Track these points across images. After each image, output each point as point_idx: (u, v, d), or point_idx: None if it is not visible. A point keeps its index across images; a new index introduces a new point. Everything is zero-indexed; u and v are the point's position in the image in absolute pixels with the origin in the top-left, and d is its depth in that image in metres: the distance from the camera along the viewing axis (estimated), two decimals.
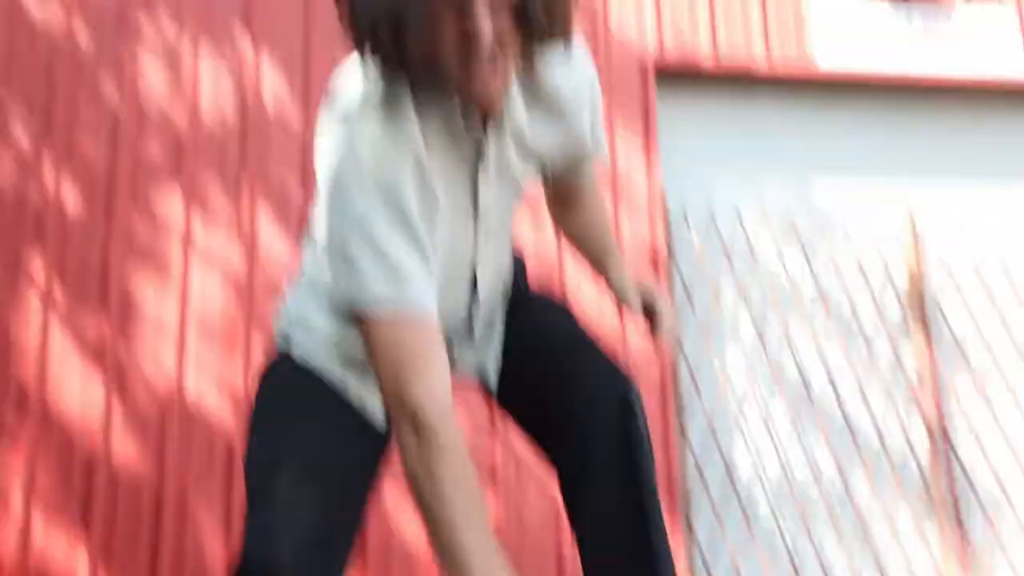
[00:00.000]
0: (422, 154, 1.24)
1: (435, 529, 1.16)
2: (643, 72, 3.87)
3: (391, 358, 1.18)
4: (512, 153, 1.36)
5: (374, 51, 1.16)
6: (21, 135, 3.35)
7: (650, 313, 1.69)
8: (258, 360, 3.34)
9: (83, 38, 3.48)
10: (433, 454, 1.16)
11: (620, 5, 3.94)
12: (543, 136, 1.38)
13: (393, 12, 1.11)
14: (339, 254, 1.20)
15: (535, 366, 1.47)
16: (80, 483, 3.15)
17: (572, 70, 1.36)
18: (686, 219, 3.96)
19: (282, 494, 1.27)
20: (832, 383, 3.89)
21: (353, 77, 1.26)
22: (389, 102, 1.23)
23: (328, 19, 3.59)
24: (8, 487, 3.12)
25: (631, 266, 3.58)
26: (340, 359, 1.41)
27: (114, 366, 3.25)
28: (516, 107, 1.31)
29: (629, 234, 3.73)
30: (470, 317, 1.48)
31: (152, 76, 3.49)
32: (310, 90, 3.57)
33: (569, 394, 1.40)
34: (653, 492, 1.41)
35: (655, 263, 3.75)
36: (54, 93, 3.40)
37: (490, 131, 1.30)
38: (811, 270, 4.03)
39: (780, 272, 4.01)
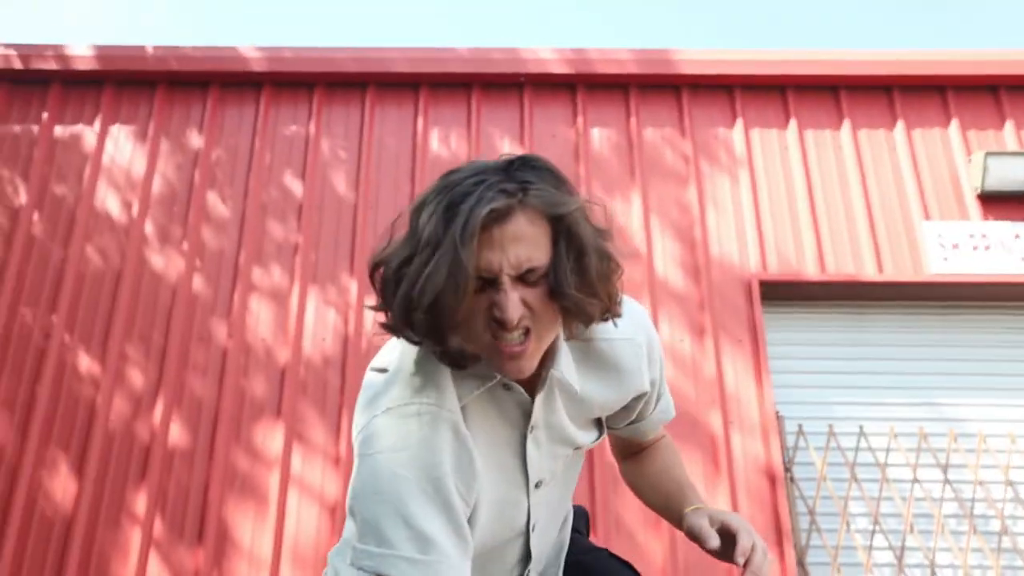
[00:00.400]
0: (461, 428, 1.21)
1: None
2: (747, 289, 3.90)
3: None
4: (564, 415, 1.33)
5: (409, 328, 1.14)
6: (136, 378, 3.60)
7: (731, 548, 1.40)
8: None
9: (199, 284, 3.80)
10: None
11: (723, 229, 4.04)
12: (599, 396, 1.34)
13: (424, 289, 1.09)
14: (367, 521, 1.14)
15: None
16: None
17: (626, 331, 1.33)
18: (803, 432, 3.80)
19: None
20: None
21: (390, 356, 1.26)
22: (426, 378, 1.21)
23: None
24: None
25: (747, 483, 3.42)
26: None
27: None
28: (566, 370, 1.28)
29: (741, 453, 3.59)
30: None
31: (260, 316, 3.74)
32: None
33: None
34: None
35: (772, 481, 3.57)
36: (168, 336, 3.68)
37: (538, 396, 1.28)
38: (951, 487, 3.73)
39: (915, 488, 3.74)
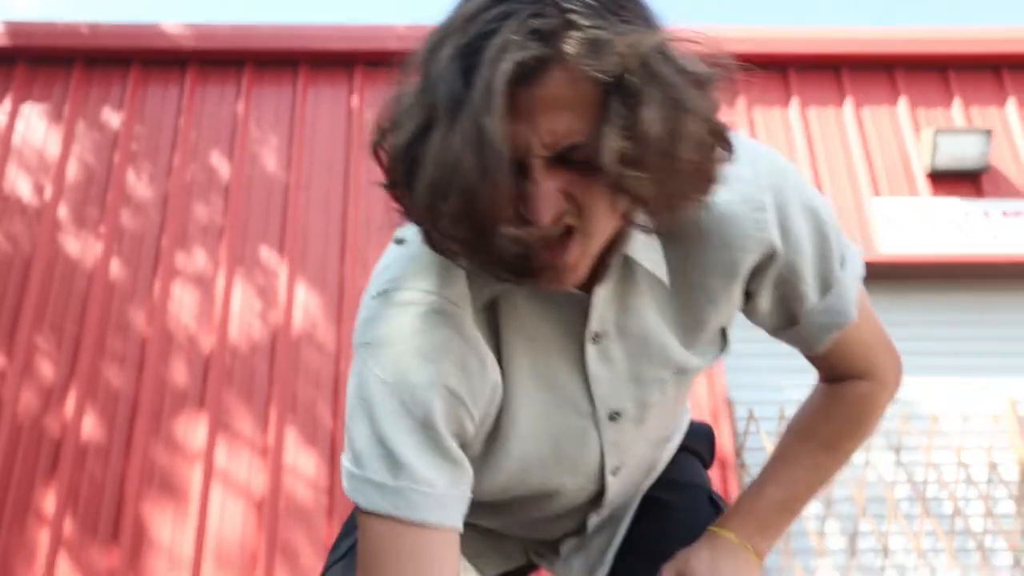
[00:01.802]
0: (467, 326, 0.95)
1: None
2: None
3: (369, 565, 0.93)
4: (654, 319, 1.01)
5: (422, 221, 0.86)
6: (47, 369, 3.46)
7: None
8: None
9: (117, 270, 3.67)
10: None
11: None
12: (703, 288, 0.99)
13: (442, 171, 0.78)
14: (349, 429, 0.95)
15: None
16: None
17: (740, 190, 0.94)
18: (754, 419, 3.76)
19: None
20: None
21: (401, 248, 0.98)
22: (435, 259, 0.95)
23: (361, 242, 3.73)
24: None
25: None
26: None
27: None
28: (644, 251, 0.95)
29: None
30: (581, 525, 1.20)
31: (183, 302, 3.62)
32: (343, 310, 3.64)
33: None
34: None
35: (723, 466, 3.53)
36: (83, 325, 3.54)
37: (598, 290, 0.96)
38: (904, 470, 3.73)
39: (867, 471, 3.72)
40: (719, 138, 0.83)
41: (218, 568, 3.19)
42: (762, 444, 3.73)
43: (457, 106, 0.78)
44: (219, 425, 3.41)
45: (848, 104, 4.29)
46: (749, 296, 1.02)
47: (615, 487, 1.13)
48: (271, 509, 3.26)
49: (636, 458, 1.12)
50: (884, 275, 4.07)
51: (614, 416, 1.04)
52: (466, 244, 0.83)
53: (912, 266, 4.02)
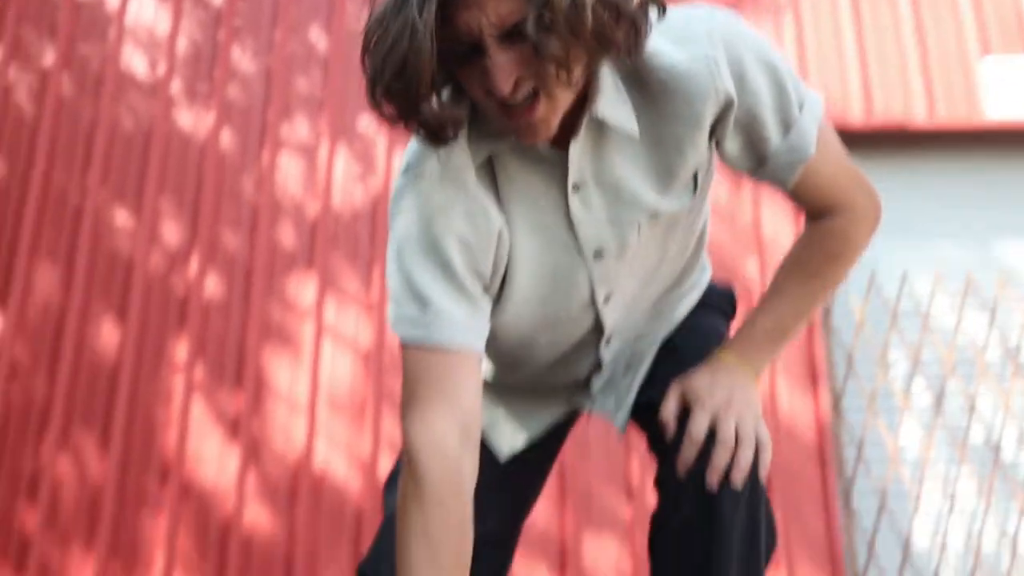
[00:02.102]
0: (469, 184, 1.21)
1: (397, 573, 1.15)
2: None
3: (407, 385, 1.20)
4: (626, 169, 1.22)
5: (372, 87, 1.10)
6: (171, 233, 3.89)
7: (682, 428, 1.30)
8: (386, 432, 3.58)
9: (227, 141, 4.04)
10: (410, 491, 1.15)
11: None
12: (670, 137, 1.20)
13: (385, 63, 1.05)
14: (388, 280, 1.24)
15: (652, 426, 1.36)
16: (216, 548, 3.42)
17: (689, 50, 1.15)
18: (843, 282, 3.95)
19: None
20: None
21: (416, 137, 1.22)
22: (446, 155, 1.20)
23: None
24: (152, 550, 3.42)
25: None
26: None
27: (248, 439, 3.57)
28: (612, 108, 1.16)
29: None
30: (596, 360, 1.43)
31: (289, 171, 3.98)
32: None
33: (668, 466, 1.29)
34: None
35: (808, 330, 3.75)
36: (200, 192, 3.94)
37: (573, 145, 1.19)
38: (997, 329, 3.88)
39: (958, 334, 3.89)
40: (644, 3, 1.06)
41: (331, 413, 3.62)
42: (850, 308, 3.94)
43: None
44: (327, 284, 3.79)
45: None
46: (719, 144, 1.24)
47: (610, 316, 1.36)
48: (376, 361, 3.66)
49: (627, 292, 1.35)
50: (993, 142, 4.13)
51: (598, 253, 1.27)
52: (399, 108, 1.09)
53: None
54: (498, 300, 1.29)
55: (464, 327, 1.20)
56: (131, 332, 3.68)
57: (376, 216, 3.85)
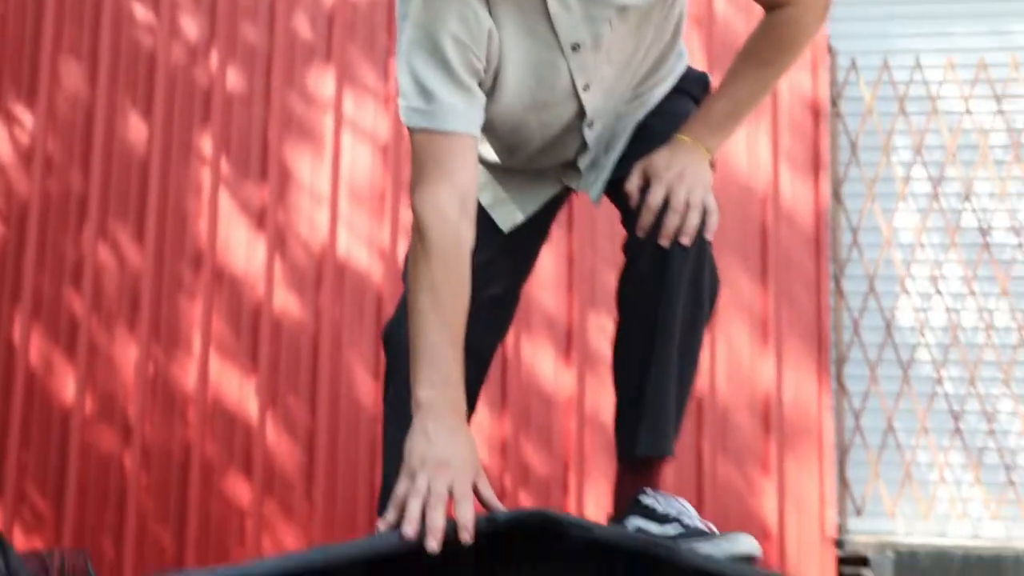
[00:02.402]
0: (470, 3, 1.42)
1: (409, 320, 1.40)
2: None
3: (415, 166, 1.45)
4: None
5: None
6: (190, 26, 3.94)
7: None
8: (404, 221, 3.76)
9: None
10: (419, 254, 1.40)
11: None
12: None
13: None
14: (399, 78, 1.48)
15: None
16: (248, 330, 3.71)
17: None
18: (855, 67, 3.95)
19: None
20: (1017, 231, 3.80)
21: None
22: None
23: None
24: (189, 333, 3.74)
25: (790, 118, 3.67)
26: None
27: (274, 229, 3.76)
28: None
29: (786, 84, 3.76)
30: (582, 141, 1.64)
31: None
32: None
33: (632, 233, 1.54)
34: (671, 335, 1.50)
35: (816, 115, 3.80)
36: None
37: None
38: (1003, 115, 3.91)
39: (964, 118, 3.92)
40: None
41: (352, 203, 3.78)
42: (860, 94, 3.97)
43: None
44: (345, 77, 3.86)
45: None
46: None
47: (591, 102, 1.57)
48: (394, 152, 3.79)
49: (605, 81, 1.56)
50: None
51: (575, 47, 1.48)
52: None
53: None
54: (492, 92, 1.51)
55: (463, 116, 1.44)
56: (157, 125, 3.82)
57: (392, 5, 3.86)
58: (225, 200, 3.80)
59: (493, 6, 1.44)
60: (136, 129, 3.85)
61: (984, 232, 3.79)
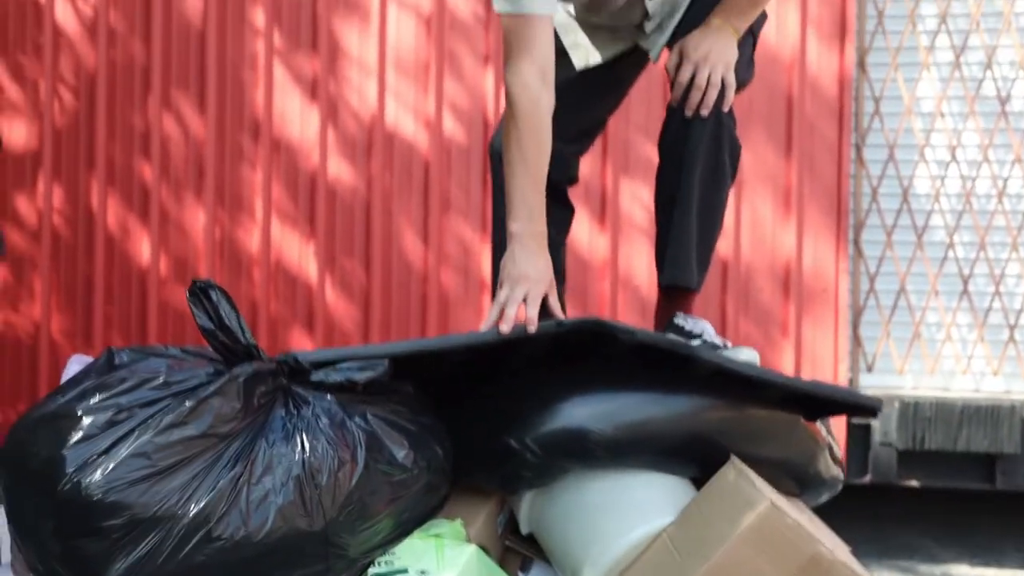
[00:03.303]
0: None
1: (504, 170, 1.72)
2: None
3: (504, 45, 1.72)
4: None
5: None
6: None
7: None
8: (447, 93, 3.88)
9: None
10: (510, 117, 1.70)
11: None
12: None
13: None
14: None
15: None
16: (305, 195, 3.90)
17: None
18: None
19: None
20: None
21: None
22: None
23: None
24: (252, 199, 3.93)
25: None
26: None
27: (326, 99, 3.89)
28: None
29: None
30: (644, 10, 1.89)
31: None
32: None
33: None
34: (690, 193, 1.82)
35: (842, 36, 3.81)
36: None
37: None
38: None
39: None
40: None
41: (398, 73, 3.88)
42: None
43: None
44: None
45: None
46: None
47: None
48: (438, 24, 3.86)
49: None
50: None
51: None
52: None
53: None
54: None
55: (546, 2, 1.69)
56: None
57: None
58: (279, 71, 3.92)
59: None
60: (192, 1, 3.94)
61: (1003, 101, 3.86)
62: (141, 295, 3.97)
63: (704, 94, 1.77)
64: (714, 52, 1.76)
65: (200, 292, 1.45)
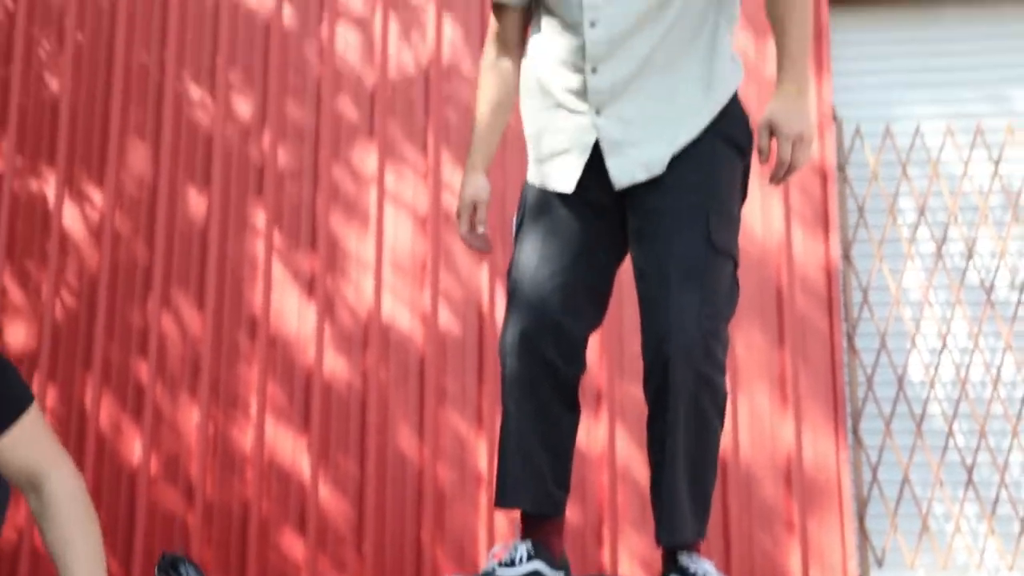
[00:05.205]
0: None
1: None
2: None
3: (488, 37, 1.86)
4: None
5: None
6: (243, 107, 3.94)
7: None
8: (444, 287, 3.75)
9: (288, 17, 4.02)
10: (488, 48, 1.85)
11: None
12: None
13: None
14: None
15: (640, 257, 1.63)
16: (300, 391, 3.73)
17: None
18: (860, 133, 3.93)
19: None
20: (1019, 288, 3.74)
21: None
22: None
23: None
24: (247, 396, 3.74)
25: (800, 183, 3.64)
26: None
27: (324, 296, 3.78)
28: None
29: None
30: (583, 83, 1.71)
31: (348, 42, 3.97)
32: (484, 40, 3.90)
33: (647, 320, 1.59)
34: (672, 455, 1.57)
35: (824, 180, 3.77)
36: (267, 68, 3.97)
37: None
38: (1001, 177, 3.87)
39: (964, 181, 3.89)
40: None
41: (395, 271, 3.78)
42: (866, 160, 3.94)
43: None
44: (387, 153, 3.86)
45: None
46: None
47: (593, 37, 1.65)
48: (433, 224, 3.78)
49: (615, 33, 1.63)
50: None
51: (589, 11, 1.64)
52: None
53: None
54: None
55: None
56: (215, 200, 3.83)
57: (429, 83, 3.86)
58: (278, 269, 3.81)
59: None
60: (196, 204, 3.86)
61: (987, 290, 3.74)
62: (130, 496, 3.70)
63: (789, 168, 1.62)
64: (805, 131, 1.60)
65: (169, 567, 1.23)
